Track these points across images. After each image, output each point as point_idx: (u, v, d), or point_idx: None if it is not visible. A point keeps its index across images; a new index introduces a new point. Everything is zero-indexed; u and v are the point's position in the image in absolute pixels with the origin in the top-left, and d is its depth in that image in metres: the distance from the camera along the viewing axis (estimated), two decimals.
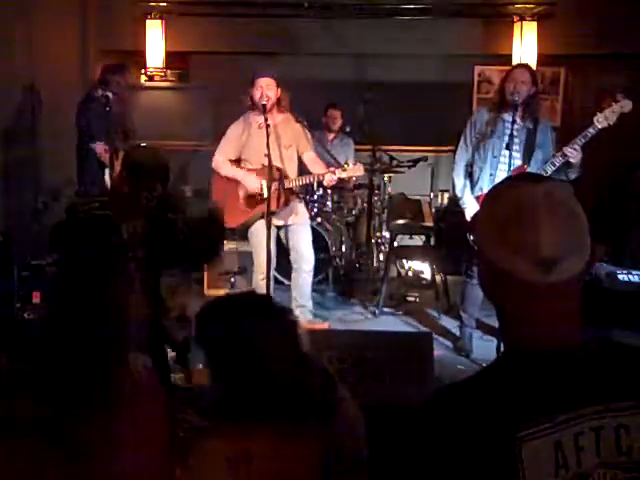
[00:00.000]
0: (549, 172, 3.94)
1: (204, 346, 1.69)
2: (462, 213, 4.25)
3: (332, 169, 4.47)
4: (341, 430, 1.60)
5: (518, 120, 3.99)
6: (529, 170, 3.97)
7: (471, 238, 4.17)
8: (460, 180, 4.25)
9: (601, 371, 1.07)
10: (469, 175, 4.26)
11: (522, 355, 1.09)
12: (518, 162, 4.02)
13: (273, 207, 4.24)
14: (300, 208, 4.69)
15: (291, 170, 4.50)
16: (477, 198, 4.18)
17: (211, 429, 1.58)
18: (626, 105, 3.89)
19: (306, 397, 1.58)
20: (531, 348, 1.09)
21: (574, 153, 3.87)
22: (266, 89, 4.32)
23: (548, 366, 1.06)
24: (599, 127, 3.86)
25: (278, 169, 4.36)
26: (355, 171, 4.51)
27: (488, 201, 1.17)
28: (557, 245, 1.06)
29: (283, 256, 4.75)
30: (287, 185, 4.42)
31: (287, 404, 1.55)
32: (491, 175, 4.13)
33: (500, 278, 1.10)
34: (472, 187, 4.23)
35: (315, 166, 4.55)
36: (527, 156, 4.04)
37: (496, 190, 1.18)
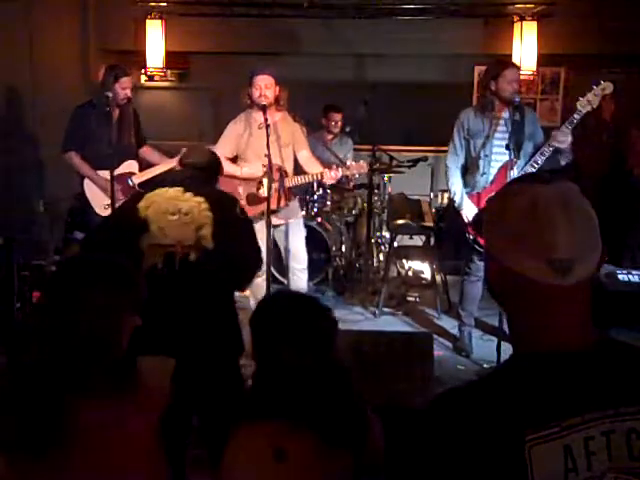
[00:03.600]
0: (540, 162, 3.95)
1: (258, 338, 1.70)
2: (460, 212, 4.25)
3: (334, 167, 4.47)
4: (372, 449, 1.59)
5: (515, 117, 4.00)
6: (519, 163, 3.98)
7: (470, 237, 4.18)
8: (456, 185, 4.25)
9: (612, 374, 1.05)
10: (462, 175, 4.27)
11: (532, 358, 1.07)
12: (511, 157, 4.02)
13: (273, 206, 4.25)
14: (296, 207, 4.71)
15: (289, 169, 4.52)
16: (472, 197, 4.19)
17: (255, 422, 1.59)
18: (608, 87, 3.92)
19: (345, 407, 1.58)
20: (542, 351, 1.07)
21: (563, 138, 3.88)
22: (264, 88, 4.32)
23: (559, 369, 1.05)
24: (583, 112, 3.89)
25: (279, 168, 4.37)
26: (359, 168, 4.53)
27: (498, 201, 1.14)
28: (573, 246, 1.04)
29: (280, 255, 4.76)
30: (289, 184, 4.44)
31: (327, 410, 1.55)
32: (484, 174, 4.14)
33: (512, 280, 1.08)
34: (466, 188, 4.24)
35: (310, 165, 4.55)
36: (517, 150, 4.05)
37: (507, 190, 1.16)
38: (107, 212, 4.64)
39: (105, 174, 4.60)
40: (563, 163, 3.94)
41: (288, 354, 1.60)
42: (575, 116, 3.89)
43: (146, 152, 4.92)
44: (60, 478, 1.54)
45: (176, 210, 2.76)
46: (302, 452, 1.52)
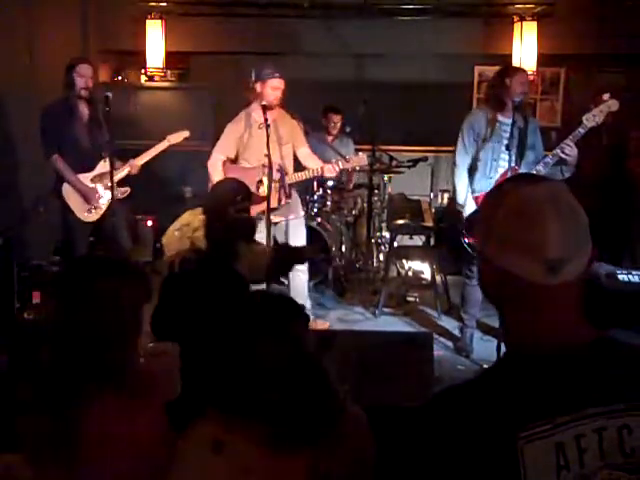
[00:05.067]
0: (542, 172, 3.95)
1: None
2: (462, 214, 4.25)
3: (336, 161, 4.50)
4: (339, 452, 1.50)
5: (518, 121, 4.00)
6: (521, 171, 3.97)
7: (465, 240, 4.18)
8: (462, 185, 4.24)
9: (604, 372, 1.06)
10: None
11: (525, 356, 1.08)
12: (512, 164, 4.03)
13: (274, 204, 4.27)
14: (298, 205, 4.73)
15: (289, 167, 4.55)
16: (475, 199, 4.19)
17: (202, 413, 1.57)
18: (613, 104, 3.95)
19: (300, 403, 1.53)
20: (534, 350, 1.08)
21: (570, 152, 3.88)
22: (279, 91, 4.38)
23: (551, 368, 1.05)
24: (588, 126, 3.90)
25: (279, 168, 4.37)
26: (359, 161, 4.58)
27: (489, 202, 1.16)
28: (564, 245, 1.05)
29: None
30: (288, 181, 4.46)
31: (277, 406, 1.51)
32: (490, 178, 4.13)
33: (504, 280, 1.09)
34: (469, 188, 4.24)
35: (310, 161, 4.57)
36: (519, 157, 4.05)
37: (497, 191, 1.17)
38: (90, 216, 4.60)
39: (83, 178, 4.58)
40: (566, 175, 3.94)
41: (262, 346, 1.57)
42: (580, 130, 3.90)
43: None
44: (78, 475, 1.54)
45: (180, 225, 3.00)
46: (242, 446, 1.48)
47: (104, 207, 4.63)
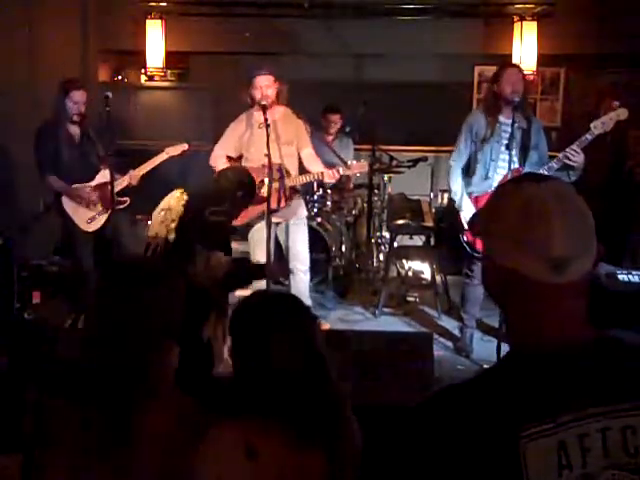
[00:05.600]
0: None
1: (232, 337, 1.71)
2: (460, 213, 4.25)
3: (337, 168, 4.49)
4: (346, 451, 1.57)
5: (519, 121, 4.00)
6: (523, 172, 3.96)
7: (464, 239, 4.18)
8: (456, 184, 4.24)
9: (608, 371, 1.05)
10: (465, 176, 4.26)
11: (528, 355, 1.08)
12: (515, 165, 4.02)
13: (274, 205, 4.25)
14: (300, 206, 4.70)
15: (292, 167, 4.50)
16: (474, 200, 4.19)
17: (228, 418, 1.58)
18: (622, 113, 3.95)
19: (316, 402, 1.56)
20: (538, 348, 1.07)
21: (576, 156, 3.88)
22: (265, 89, 4.32)
23: (554, 366, 1.05)
24: (596, 133, 3.88)
25: (279, 168, 4.36)
26: (360, 168, 4.58)
27: (494, 201, 1.15)
28: (569, 244, 1.05)
29: (281, 255, 4.75)
30: (289, 183, 4.44)
31: (297, 407, 1.54)
32: (488, 178, 4.13)
33: (508, 278, 1.09)
34: (467, 189, 4.24)
35: (313, 164, 4.54)
36: (523, 157, 4.05)
37: (502, 190, 1.16)
38: (91, 226, 4.65)
39: (80, 187, 4.62)
40: (573, 179, 3.94)
41: (278, 349, 1.59)
42: (587, 137, 3.89)
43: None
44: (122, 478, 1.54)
45: (167, 206, 3.02)
46: (273, 450, 1.51)
47: (104, 217, 4.68)
